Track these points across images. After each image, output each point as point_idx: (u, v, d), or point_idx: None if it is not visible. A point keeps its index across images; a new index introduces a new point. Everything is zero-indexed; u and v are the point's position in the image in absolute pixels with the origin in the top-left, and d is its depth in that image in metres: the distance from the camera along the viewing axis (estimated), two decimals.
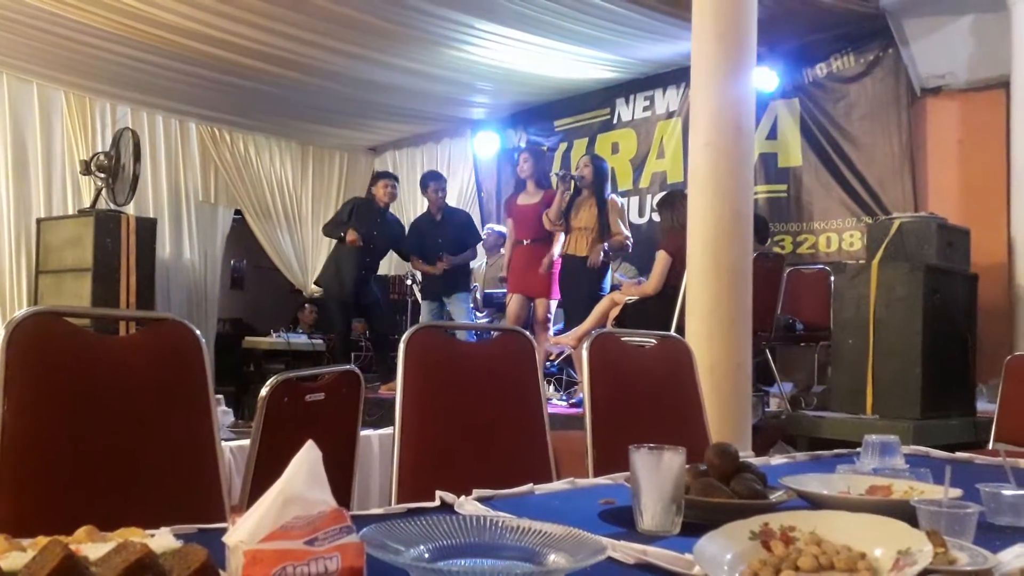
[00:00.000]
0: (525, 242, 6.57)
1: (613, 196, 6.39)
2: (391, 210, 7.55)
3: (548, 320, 6.45)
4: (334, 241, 7.38)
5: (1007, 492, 1.49)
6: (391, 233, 7.40)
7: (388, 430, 3.07)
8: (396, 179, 7.56)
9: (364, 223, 7.17)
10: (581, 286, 6.10)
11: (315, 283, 8.58)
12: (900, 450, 2.04)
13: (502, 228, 7.73)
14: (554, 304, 6.49)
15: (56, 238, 7.34)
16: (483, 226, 8.35)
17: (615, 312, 5.64)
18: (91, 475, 1.66)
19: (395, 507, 1.53)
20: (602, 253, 6.03)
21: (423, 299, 7.40)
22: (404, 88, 7.90)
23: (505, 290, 6.95)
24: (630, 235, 6.34)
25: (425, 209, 7.60)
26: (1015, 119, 5.64)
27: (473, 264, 7.72)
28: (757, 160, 6.51)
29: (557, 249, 6.41)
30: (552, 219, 6.27)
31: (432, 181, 7.37)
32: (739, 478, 1.54)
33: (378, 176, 7.58)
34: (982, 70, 6.03)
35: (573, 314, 6.05)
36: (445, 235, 7.22)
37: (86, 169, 7.47)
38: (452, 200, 8.26)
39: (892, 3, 6.21)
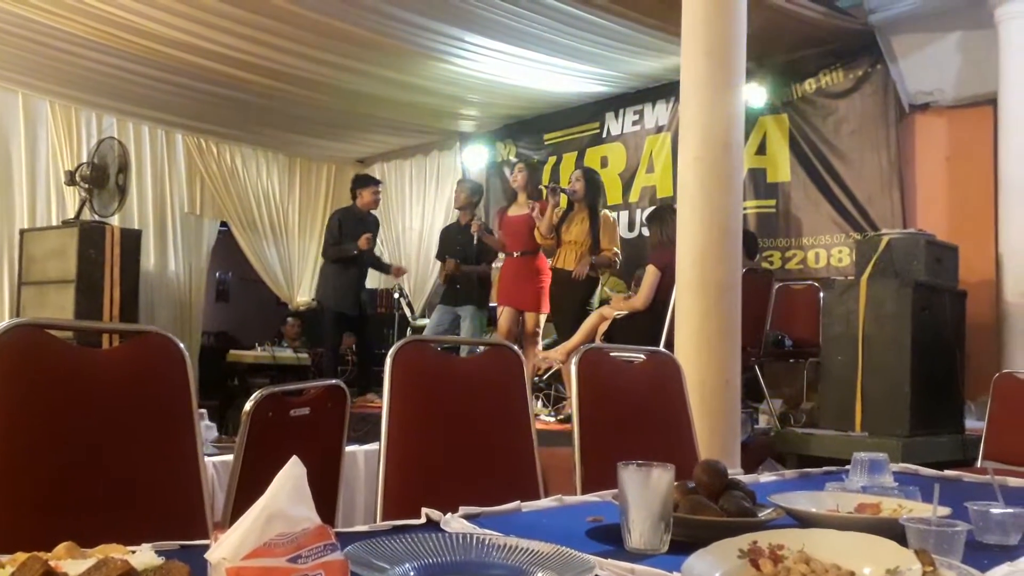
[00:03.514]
0: (515, 254, 6.58)
1: (606, 212, 6.39)
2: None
3: (537, 334, 6.44)
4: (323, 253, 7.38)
5: (995, 511, 1.49)
6: (375, 234, 7.44)
7: (374, 446, 3.05)
8: (381, 183, 7.62)
9: (353, 235, 7.16)
10: (569, 300, 6.10)
11: (314, 299, 8.44)
12: (889, 468, 2.04)
13: None
14: (543, 318, 6.48)
15: (39, 249, 7.31)
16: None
17: (604, 327, 5.64)
18: (72, 490, 1.64)
19: (380, 524, 1.51)
20: (588, 267, 6.02)
21: (440, 303, 7.30)
22: (393, 100, 7.91)
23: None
24: (619, 252, 6.33)
25: (441, 219, 7.60)
26: (1002, 136, 5.68)
27: None
28: (746, 175, 6.53)
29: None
30: (544, 233, 6.28)
31: (460, 182, 7.44)
32: (728, 496, 1.53)
33: (366, 181, 7.53)
34: (970, 87, 6.07)
35: (561, 327, 6.04)
36: (465, 243, 7.11)
37: (70, 180, 7.45)
38: (441, 213, 8.27)
39: (880, 20, 6.25)
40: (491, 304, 7.70)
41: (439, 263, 7.44)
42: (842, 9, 6.22)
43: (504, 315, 6.54)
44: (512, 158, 8.63)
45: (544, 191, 6.42)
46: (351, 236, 7.17)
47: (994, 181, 5.78)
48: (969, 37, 6.03)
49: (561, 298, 6.26)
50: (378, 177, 8.46)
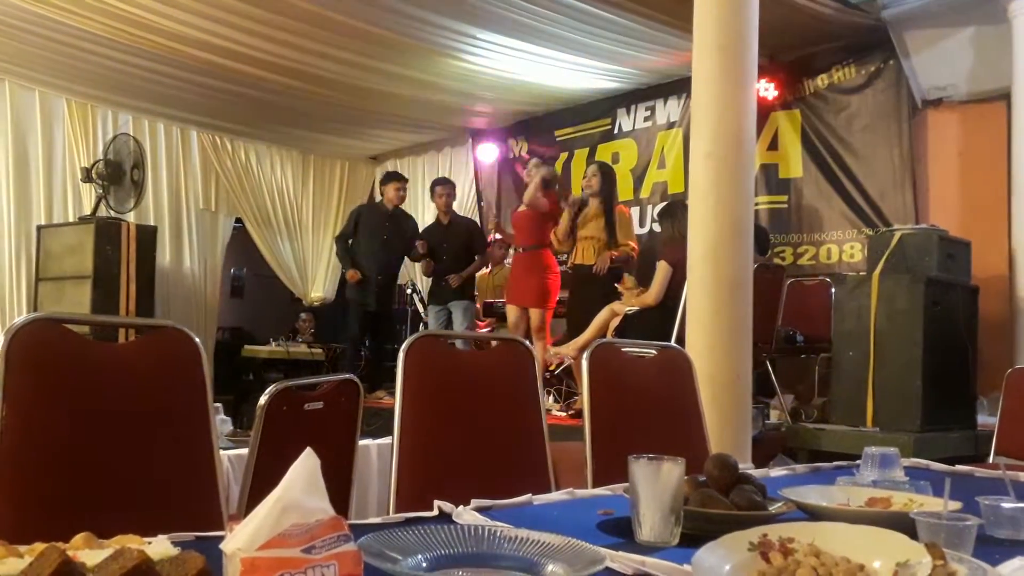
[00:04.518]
0: (521, 249, 6.61)
1: (621, 206, 6.40)
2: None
3: (543, 329, 6.43)
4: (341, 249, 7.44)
5: (1007, 505, 1.49)
6: (404, 231, 7.45)
7: (386, 440, 3.07)
8: (406, 180, 7.62)
9: (372, 229, 7.20)
10: (590, 296, 6.10)
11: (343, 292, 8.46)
12: (900, 462, 2.04)
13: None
14: (549, 313, 6.49)
15: (56, 245, 7.36)
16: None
17: (615, 322, 5.64)
18: (89, 482, 1.66)
19: (393, 516, 1.53)
20: (609, 260, 6.03)
21: (430, 303, 7.44)
22: (405, 97, 7.92)
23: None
24: (636, 246, 6.35)
25: (434, 217, 7.65)
26: (1016, 131, 5.65)
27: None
28: (758, 171, 6.51)
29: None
30: (560, 238, 6.31)
31: (439, 185, 7.48)
32: (738, 489, 1.53)
33: (388, 178, 7.59)
34: (983, 82, 6.04)
35: (581, 322, 6.03)
36: (452, 240, 7.26)
37: (87, 176, 7.49)
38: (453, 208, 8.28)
39: (893, 15, 6.22)
40: (490, 300, 7.79)
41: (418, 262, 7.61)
42: (854, 4, 6.19)
43: (511, 312, 6.57)
44: (524, 154, 8.63)
45: (562, 204, 6.46)
46: (370, 231, 7.23)
47: (1007, 177, 5.75)
48: (982, 32, 6.00)
49: (579, 294, 6.26)
50: None
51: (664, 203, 7.04)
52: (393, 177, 7.56)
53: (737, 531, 1.19)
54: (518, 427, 2.29)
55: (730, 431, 3.94)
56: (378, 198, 7.88)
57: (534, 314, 6.43)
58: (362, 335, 7.47)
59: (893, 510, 1.54)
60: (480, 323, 7.66)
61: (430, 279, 7.60)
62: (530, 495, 1.71)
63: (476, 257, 7.40)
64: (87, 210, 7.68)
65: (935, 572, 1.09)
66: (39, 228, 7.65)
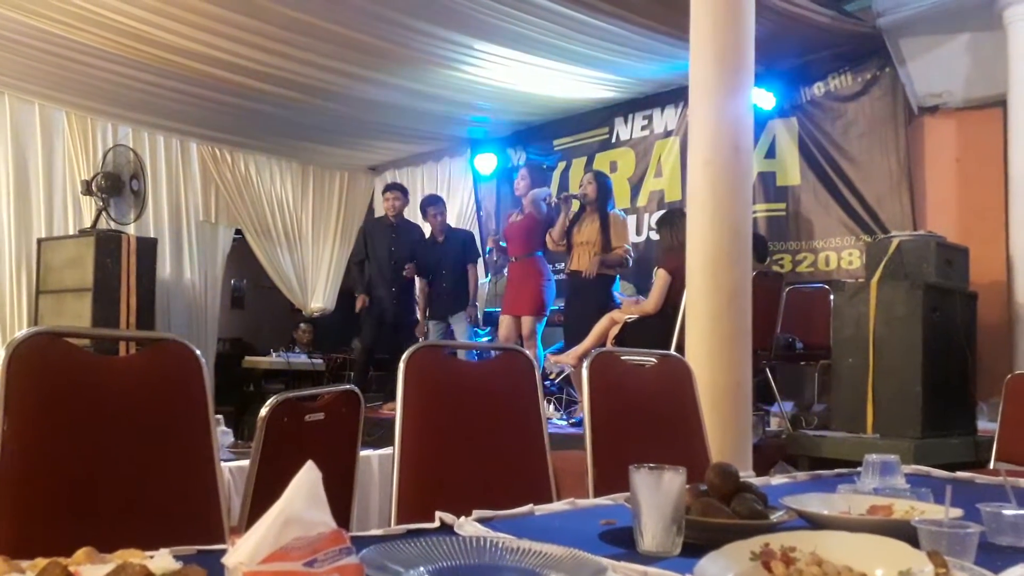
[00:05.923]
0: (514, 259, 6.62)
1: (616, 211, 6.42)
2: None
3: (533, 337, 6.43)
4: (338, 260, 7.47)
5: (1008, 512, 1.49)
6: (411, 241, 7.51)
7: (388, 450, 3.07)
8: (399, 189, 7.66)
9: (379, 244, 7.26)
10: (586, 302, 6.12)
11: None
12: (901, 470, 2.04)
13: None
14: (540, 323, 6.49)
15: (57, 258, 7.36)
16: (483, 244, 8.36)
17: (615, 331, 5.64)
18: (90, 496, 1.66)
19: (395, 528, 1.53)
20: (598, 265, 6.04)
21: (430, 319, 7.45)
22: (404, 108, 7.93)
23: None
24: (631, 250, 6.36)
25: (428, 233, 7.66)
26: (1012, 137, 5.66)
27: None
28: (756, 179, 6.53)
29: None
30: (555, 239, 6.32)
31: (431, 206, 7.46)
32: (740, 498, 1.53)
33: (384, 189, 7.73)
34: (979, 88, 6.06)
35: (579, 330, 6.04)
36: (447, 255, 7.28)
37: (87, 189, 7.50)
38: (452, 219, 8.31)
39: (889, 22, 6.24)
40: (488, 309, 7.81)
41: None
42: (850, 12, 6.22)
43: (503, 323, 6.58)
44: (522, 164, 8.65)
45: (556, 201, 6.47)
46: (378, 246, 7.34)
47: (1004, 182, 5.75)
48: (978, 39, 6.02)
49: (575, 301, 6.28)
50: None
51: (662, 211, 7.05)
52: (386, 188, 7.66)
53: (739, 540, 1.19)
54: (519, 436, 2.29)
55: (730, 439, 3.93)
56: (379, 212, 7.92)
57: (525, 321, 6.44)
58: (374, 345, 7.48)
59: (895, 518, 1.54)
60: (479, 331, 7.67)
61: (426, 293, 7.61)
62: (532, 505, 1.71)
63: (468, 267, 7.40)
64: (87, 223, 7.68)
65: None
66: (39, 241, 7.64)
